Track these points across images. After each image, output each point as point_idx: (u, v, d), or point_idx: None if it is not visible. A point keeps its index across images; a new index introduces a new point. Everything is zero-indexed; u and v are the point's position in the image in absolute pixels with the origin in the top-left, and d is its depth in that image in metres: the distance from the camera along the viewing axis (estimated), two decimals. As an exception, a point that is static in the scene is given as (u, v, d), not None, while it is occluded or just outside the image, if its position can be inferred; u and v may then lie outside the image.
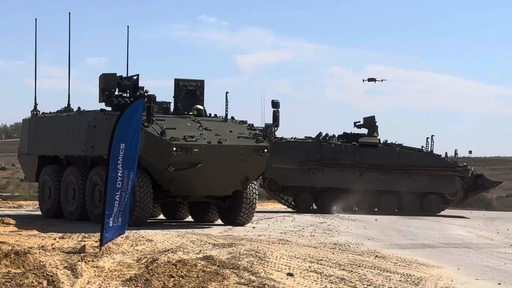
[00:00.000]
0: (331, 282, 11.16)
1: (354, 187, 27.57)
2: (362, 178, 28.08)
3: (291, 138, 28.95)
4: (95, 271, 11.28)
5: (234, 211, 19.70)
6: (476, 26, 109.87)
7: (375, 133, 29.12)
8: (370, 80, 35.40)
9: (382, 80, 36.05)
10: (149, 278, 10.59)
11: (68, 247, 13.92)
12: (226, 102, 19.76)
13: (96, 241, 14.34)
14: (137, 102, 13.50)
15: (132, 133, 13.21)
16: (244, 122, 19.87)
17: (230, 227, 19.16)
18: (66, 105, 21.53)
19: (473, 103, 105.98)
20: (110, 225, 13.09)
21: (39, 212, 22.09)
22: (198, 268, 11.48)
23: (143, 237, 15.69)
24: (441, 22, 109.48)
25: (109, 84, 19.61)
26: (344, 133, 29.64)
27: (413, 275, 12.12)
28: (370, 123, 29.38)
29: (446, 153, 29.20)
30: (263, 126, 23.26)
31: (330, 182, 28.15)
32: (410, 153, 28.60)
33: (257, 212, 21.40)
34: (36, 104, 22.38)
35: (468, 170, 28.59)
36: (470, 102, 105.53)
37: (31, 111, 22.42)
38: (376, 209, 28.14)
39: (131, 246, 14.27)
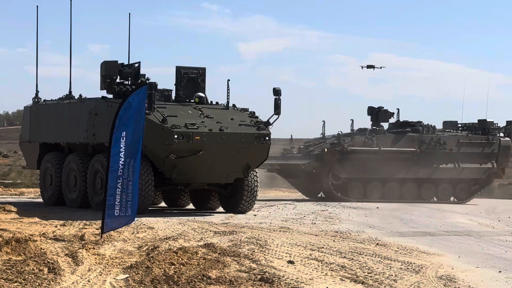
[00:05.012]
0: (332, 270, 11.17)
1: None
2: None
3: None
4: (96, 258, 11.29)
5: (236, 199, 19.71)
6: (477, 14, 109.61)
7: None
8: (369, 67, 35.24)
9: (381, 67, 35.92)
10: (150, 266, 10.60)
11: (69, 235, 13.92)
12: (228, 89, 19.75)
13: (97, 229, 14.35)
14: (140, 90, 13.44)
15: (135, 121, 13.16)
16: (246, 110, 19.83)
17: (231, 214, 19.17)
18: (68, 93, 21.53)
19: (476, 91, 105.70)
20: (116, 214, 12.97)
21: (41, 200, 22.11)
22: (199, 255, 11.49)
23: (144, 224, 15.70)
24: (444, 10, 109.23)
25: (110, 72, 19.57)
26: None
27: (414, 263, 12.14)
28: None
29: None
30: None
31: None
32: None
33: (258, 200, 21.38)
34: (37, 91, 22.40)
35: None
36: (473, 90, 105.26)
37: (33, 98, 22.41)
38: None
39: (132, 233, 14.28)
